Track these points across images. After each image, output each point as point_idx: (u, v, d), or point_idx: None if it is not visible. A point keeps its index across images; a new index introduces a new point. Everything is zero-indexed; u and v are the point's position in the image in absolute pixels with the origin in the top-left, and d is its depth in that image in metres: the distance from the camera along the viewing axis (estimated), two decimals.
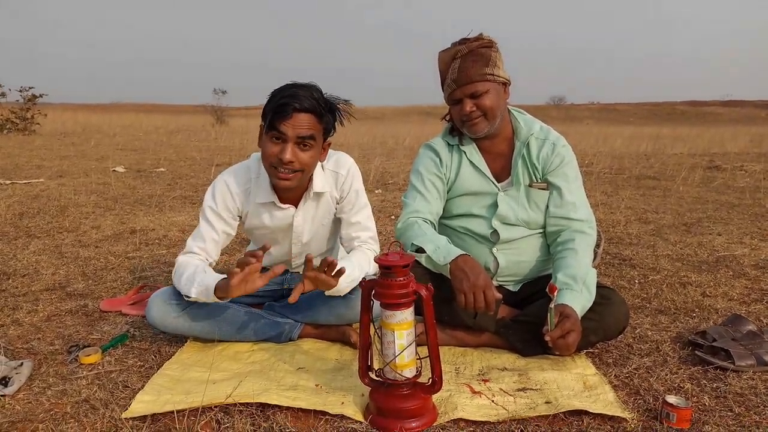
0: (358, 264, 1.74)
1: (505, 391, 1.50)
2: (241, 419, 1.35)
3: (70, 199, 4.47)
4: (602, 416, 1.38)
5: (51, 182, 5.41)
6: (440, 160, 1.88)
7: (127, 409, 1.40)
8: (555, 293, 1.54)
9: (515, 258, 1.86)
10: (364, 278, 1.70)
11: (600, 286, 1.73)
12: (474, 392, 1.49)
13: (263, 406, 1.41)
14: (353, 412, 1.38)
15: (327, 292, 1.66)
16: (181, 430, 1.32)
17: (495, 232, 1.83)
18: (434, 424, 1.34)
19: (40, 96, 12.91)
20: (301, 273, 2.02)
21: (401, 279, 1.31)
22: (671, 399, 1.36)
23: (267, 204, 1.81)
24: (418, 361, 1.39)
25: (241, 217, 1.85)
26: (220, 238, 1.79)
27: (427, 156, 1.91)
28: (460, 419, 1.36)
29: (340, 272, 1.51)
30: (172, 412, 1.37)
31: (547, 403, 1.43)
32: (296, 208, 1.83)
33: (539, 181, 1.83)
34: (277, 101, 1.62)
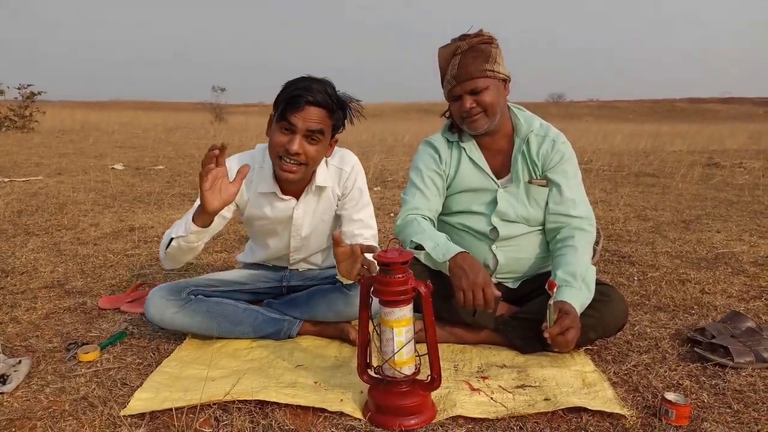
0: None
1: (504, 388, 1.50)
2: (239, 416, 1.35)
3: (69, 197, 4.46)
4: (601, 413, 1.38)
5: (49, 180, 5.40)
6: (440, 156, 1.88)
7: (125, 406, 1.40)
8: (554, 289, 1.54)
9: (514, 255, 1.85)
10: (363, 275, 1.70)
11: (599, 283, 1.73)
12: (473, 389, 1.49)
13: (262, 404, 1.41)
14: (352, 409, 1.38)
15: (339, 277, 1.66)
16: (180, 427, 1.31)
17: (494, 229, 1.83)
18: (433, 422, 1.34)
19: (39, 93, 12.87)
20: (299, 270, 2.02)
21: (400, 276, 1.31)
22: (670, 396, 1.36)
23: (268, 194, 1.81)
24: (417, 358, 1.39)
25: (238, 205, 1.84)
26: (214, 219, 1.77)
27: (427, 153, 1.91)
28: (459, 416, 1.36)
29: (370, 249, 1.48)
30: (171, 409, 1.37)
31: (546, 400, 1.43)
32: (297, 200, 1.83)
33: (539, 178, 1.83)
34: (291, 92, 1.62)
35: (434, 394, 1.42)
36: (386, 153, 9.12)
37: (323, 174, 1.81)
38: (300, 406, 1.40)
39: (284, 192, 1.81)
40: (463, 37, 1.74)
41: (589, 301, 1.66)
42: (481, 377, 1.57)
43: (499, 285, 1.86)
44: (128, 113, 23.99)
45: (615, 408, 1.38)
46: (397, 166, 7.24)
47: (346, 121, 1.75)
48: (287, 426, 1.33)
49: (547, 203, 1.83)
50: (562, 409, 1.39)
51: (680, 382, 1.55)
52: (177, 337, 1.86)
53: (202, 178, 1.47)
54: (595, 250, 2.43)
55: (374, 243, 1.85)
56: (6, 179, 5.30)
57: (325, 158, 1.79)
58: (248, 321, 1.83)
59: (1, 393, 1.47)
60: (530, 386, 1.51)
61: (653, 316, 2.07)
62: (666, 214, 4.11)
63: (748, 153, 9.28)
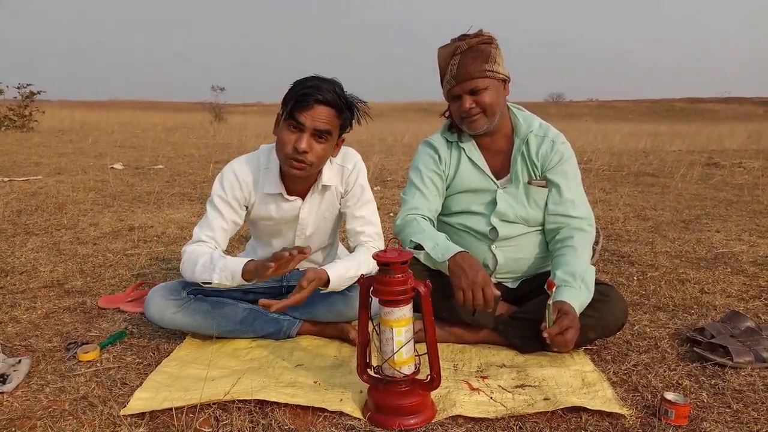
0: (358, 262, 1.74)
1: (503, 388, 1.50)
2: (239, 416, 1.35)
3: (68, 196, 4.46)
4: (600, 413, 1.38)
5: (49, 179, 5.39)
6: (439, 157, 1.88)
7: (125, 406, 1.40)
8: (553, 289, 1.54)
9: (514, 255, 1.86)
10: (362, 275, 1.70)
11: (598, 283, 1.73)
12: (472, 389, 1.49)
13: (262, 403, 1.41)
14: (352, 408, 1.38)
15: (324, 290, 1.66)
16: (180, 427, 1.31)
17: (494, 229, 1.83)
18: (433, 421, 1.34)
19: (38, 93, 12.86)
20: (300, 269, 2.02)
21: (400, 276, 1.31)
22: (670, 395, 1.36)
23: (274, 195, 1.81)
24: (417, 357, 1.39)
25: (247, 207, 1.85)
26: (228, 226, 1.78)
27: (426, 153, 1.91)
28: (459, 416, 1.36)
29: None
30: (171, 409, 1.37)
31: (545, 399, 1.43)
32: (303, 200, 1.83)
33: (538, 178, 1.83)
34: (299, 90, 1.62)
35: (434, 394, 1.42)
36: (386, 152, 9.13)
37: (329, 173, 1.81)
38: (300, 405, 1.40)
39: (289, 192, 1.81)
40: (463, 37, 1.74)
41: (588, 301, 1.66)
42: (481, 377, 1.57)
43: (498, 285, 1.86)
44: (128, 113, 23.99)
45: (614, 408, 1.38)
46: (397, 165, 7.24)
47: (353, 121, 1.75)
48: (287, 425, 1.33)
49: (546, 204, 1.83)
50: (562, 409, 1.39)
51: (680, 382, 1.55)
52: (177, 336, 1.86)
53: (285, 261, 1.47)
54: (594, 250, 2.43)
55: (377, 240, 1.85)
56: (5, 179, 5.30)
57: (330, 157, 1.80)
58: (248, 320, 1.83)
59: (1, 392, 1.47)
60: (530, 386, 1.51)
61: (653, 316, 2.07)
62: (665, 213, 4.11)
63: (748, 153, 9.28)
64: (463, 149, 1.86)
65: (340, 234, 2.09)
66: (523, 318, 1.75)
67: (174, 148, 9.24)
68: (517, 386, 1.51)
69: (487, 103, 1.73)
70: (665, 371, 1.61)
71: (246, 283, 1.62)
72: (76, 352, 1.69)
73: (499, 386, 1.51)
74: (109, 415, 1.36)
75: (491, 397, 1.45)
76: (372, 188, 1.90)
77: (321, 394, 1.46)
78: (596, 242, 2.48)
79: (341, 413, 1.37)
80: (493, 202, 1.83)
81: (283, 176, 1.78)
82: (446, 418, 1.35)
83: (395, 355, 1.34)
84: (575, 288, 1.63)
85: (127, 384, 1.53)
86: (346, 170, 1.83)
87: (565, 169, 1.82)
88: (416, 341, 1.39)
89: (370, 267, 1.74)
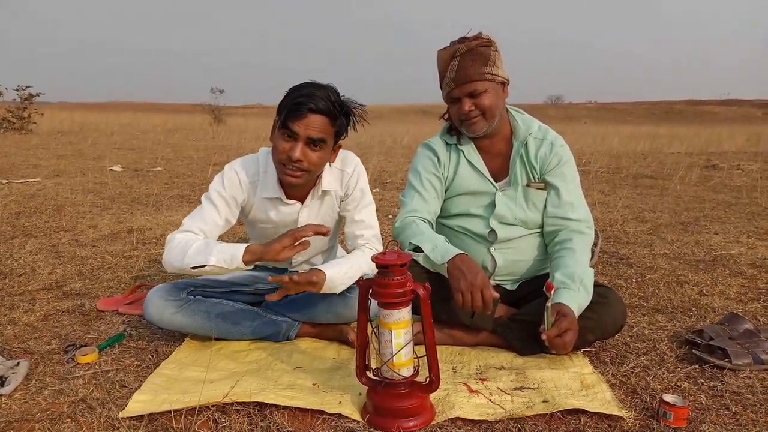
0: (356, 263, 1.74)
1: (502, 390, 1.50)
2: (238, 419, 1.35)
3: (67, 199, 4.46)
4: (599, 415, 1.38)
5: (48, 181, 5.39)
6: (438, 159, 1.88)
7: (124, 408, 1.39)
8: (552, 291, 1.54)
9: (513, 257, 1.86)
10: (361, 277, 1.70)
11: (597, 285, 1.73)
12: (471, 391, 1.49)
13: (260, 406, 1.41)
14: (350, 411, 1.38)
15: (321, 290, 1.66)
16: (178, 429, 1.31)
17: (493, 231, 1.83)
18: (431, 423, 1.34)
19: (37, 95, 12.86)
20: (300, 272, 2.02)
21: (398, 278, 1.31)
22: (668, 398, 1.36)
23: (273, 199, 1.81)
24: (416, 360, 1.39)
25: (244, 208, 1.85)
26: (221, 223, 1.76)
27: (425, 155, 1.91)
28: (458, 418, 1.36)
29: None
30: (169, 411, 1.37)
31: (544, 401, 1.43)
32: (302, 204, 1.83)
33: (537, 180, 1.83)
34: (293, 99, 1.62)
35: (433, 396, 1.42)
36: (385, 154, 9.14)
37: (328, 177, 1.81)
38: (298, 408, 1.40)
39: (289, 196, 1.81)
40: (462, 40, 1.75)
41: (587, 303, 1.66)
42: (480, 379, 1.57)
43: (497, 287, 1.86)
44: (127, 115, 24.00)
45: (613, 410, 1.38)
46: (396, 167, 7.25)
47: (349, 127, 1.75)
48: (286, 428, 1.33)
49: (545, 206, 1.83)
50: (561, 411, 1.39)
51: (678, 384, 1.55)
52: (175, 339, 1.86)
53: (292, 239, 1.56)
54: (593, 252, 2.43)
55: (376, 243, 1.85)
56: (4, 181, 5.30)
57: (329, 162, 1.79)
58: (247, 322, 1.83)
59: (0, 395, 1.46)
60: (529, 388, 1.51)
61: (651, 318, 2.07)
62: (664, 215, 4.11)
63: (747, 155, 9.30)
64: (462, 152, 1.87)
65: (339, 237, 2.10)
66: (522, 320, 1.76)
67: (173, 150, 9.24)
68: (516, 388, 1.51)
69: (487, 105, 1.74)
70: (664, 373, 1.62)
71: (244, 267, 1.61)
72: (74, 355, 1.69)
73: (498, 388, 1.51)
74: (108, 417, 1.36)
75: (490, 399, 1.45)
76: (371, 190, 1.90)
77: (320, 396, 1.46)
78: (595, 244, 2.48)
79: (340, 415, 1.37)
80: (492, 205, 1.84)
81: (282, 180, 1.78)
82: (445, 421, 1.35)
83: (394, 358, 1.34)
84: (574, 290, 1.63)
85: (125, 386, 1.53)
86: (345, 174, 1.83)
87: (563, 171, 1.82)
88: (415, 343, 1.39)
89: (368, 268, 1.74)
